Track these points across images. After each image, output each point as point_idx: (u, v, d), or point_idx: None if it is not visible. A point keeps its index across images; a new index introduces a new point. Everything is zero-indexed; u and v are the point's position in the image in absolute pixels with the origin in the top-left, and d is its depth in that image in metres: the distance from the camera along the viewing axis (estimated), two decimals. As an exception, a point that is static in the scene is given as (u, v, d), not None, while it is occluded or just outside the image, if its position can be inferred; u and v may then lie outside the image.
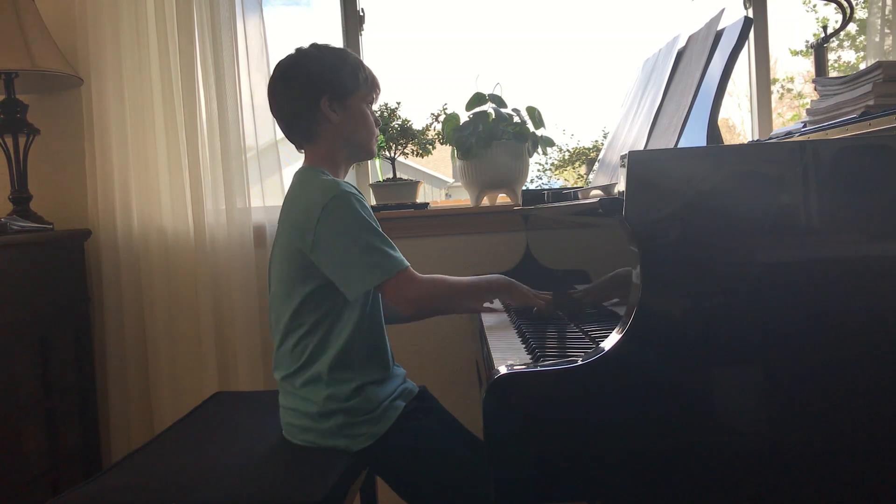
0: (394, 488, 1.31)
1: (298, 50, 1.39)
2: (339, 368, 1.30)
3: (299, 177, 1.37)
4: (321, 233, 1.24)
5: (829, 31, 1.68)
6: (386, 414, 1.29)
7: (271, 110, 1.40)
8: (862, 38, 3.03)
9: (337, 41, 2.31)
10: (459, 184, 2.25)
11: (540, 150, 2.20)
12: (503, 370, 0.91)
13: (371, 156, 1.49)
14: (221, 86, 2.03)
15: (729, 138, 3.30)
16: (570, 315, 1.39)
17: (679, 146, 1.20)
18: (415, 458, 1.28)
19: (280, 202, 1.41)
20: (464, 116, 2.17)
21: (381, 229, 1.28)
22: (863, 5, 2.30)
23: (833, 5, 1.70)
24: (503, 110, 2.16)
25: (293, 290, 1.31)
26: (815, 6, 3.22)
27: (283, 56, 1.39)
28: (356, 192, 1.28)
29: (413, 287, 1.27)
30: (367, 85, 1.39)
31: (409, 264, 1.28)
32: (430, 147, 2.21)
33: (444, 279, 1.34)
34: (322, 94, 1.33)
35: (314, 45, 1.39)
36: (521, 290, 1.41)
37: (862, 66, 1.26)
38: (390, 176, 2.19)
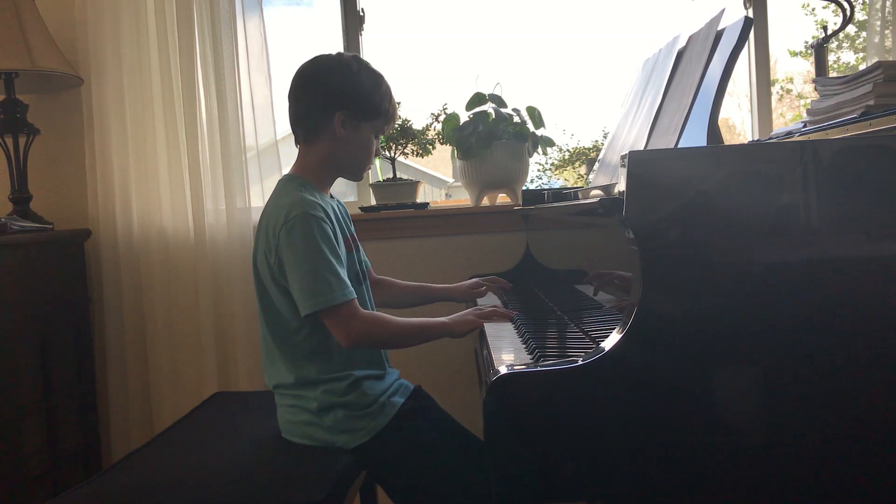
0: (387, 490, 1.31)
1: (340, 55, 1.39)
2: (331, 368, 1.31)
3: (278, 187, 1.38)
4: (280, 249, 1.26)
5: (829, 31, 1.68)
6: (384, 410, 1.30)
7: (289, 96, 1.39)
8: (861, 38, 3.04)
9: (337, 41, 2.32)
10: (459, 184, 2.25)
11: (540, 150, 2.20)
12: (503, 370, 0.91)
13: (356, 179, 1.49)
14: (221, 86, 2.03)
15: (729, 138, 3.30)
16: (569, 315, 1.39)
17: (679, 146, 1.20)
18: (411, 461, 1.28)
19: (280, 202, 1.41)
20: (464, 116, 2.17)
21: (333, 258, 1.25)
22: (862, 6, 2.31)
23: (832, 7, 1.70)
24: (503, 110, 2.16)
25: (275, 297, 1.32)
26: (813, 9, 3.23)
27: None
28: (320, 216, 1.26)
29: (351, 323, 1.24)
30: (385, 118, 1.40)
31: (353, 297, 1.25)
32: (430, 147, 2.21)
33: (385, 321, 1.30)
34: (342, 107, 1.34)
35: (356, 58, 1.39)
36: (465, 321, 1.37)
37: (862, 67, 1.26)
38: (390, 176, 2.19)
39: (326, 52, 1.39)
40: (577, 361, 0.90)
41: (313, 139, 1.37)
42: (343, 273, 1.26)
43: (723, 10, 1.32)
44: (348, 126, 1.35)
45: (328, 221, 1.28)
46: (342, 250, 1.31)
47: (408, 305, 1.68)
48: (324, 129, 1.35)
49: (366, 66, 1.39)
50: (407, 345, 1.41)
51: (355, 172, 1.44)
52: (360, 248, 1.46)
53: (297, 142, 1.41)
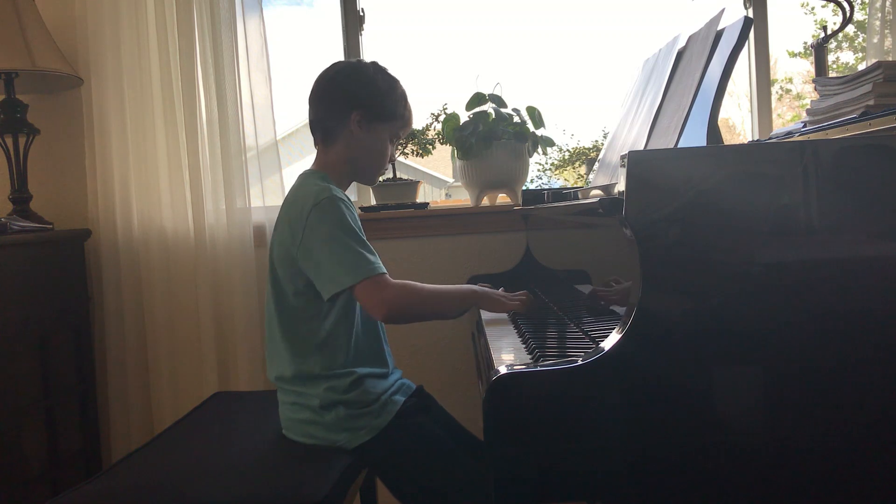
0: (390, 488, 1.31)
1: (359, 61, 1.47)
2: (334, 364, 1.32)
3: (300, 179, 1.42)
4: (307, 232, 1.29)
5: (829, 31, 1.68)
6: (385, 408, 1.31)
7: (309, 100, 1.44)
8: (860, 39, 3.04)
9: (337, 41, 2.32)
10: (459, 184, 2.25)
11: (540, 150, 2.20)
12: (503, 370, 0.91)
13: (370, 183, 1.55)
14: (221, 86, 2.03)
15: (729, 138, 3.31)
16: (569, 315, 1.39)
17: (679, 146, 1.20)
18: (413, 459, 1.29)
19: (280, 202, 1.43)
20: (464, 116, 2.17)
21: (363, 237, 1.30)
22: (861, 7, 2.31)
23: (831, 7, 1.70)
24: (503, 110, 2.16)
25: (287, 287, 1.34)
26: (813, 8, 3.23)
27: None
28: (345, 199, 1.32)
29: (386, 293, 1.26)
30: (401, 121, 1.45)
31: (385, 271, 1.28)
32: (430, 147, 2.21)
33: (417, 288, 1.32)
34: (359, 107, 1.39)
35: (374, 64, 1.45)
36: (495, 299, 1.40)
37: (861, 67, 1.26)
38: (390, 176, 2.19)
39: (345, 60, 1.46)
40: (576, 361, 0.90)
41: (331, 140, 1.41)
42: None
43: (723, 10, 1.32)
44: (364, 126, 1.40)
45: (351, 210, 1.33)
46: None
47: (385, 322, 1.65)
48: (341, 130, 1.40)
49: (382, 71, 1.45)
50: (440, 312, 1.40)
51: (370, 175, 1.49)
52: None
53: (316, 144, 1.45)
